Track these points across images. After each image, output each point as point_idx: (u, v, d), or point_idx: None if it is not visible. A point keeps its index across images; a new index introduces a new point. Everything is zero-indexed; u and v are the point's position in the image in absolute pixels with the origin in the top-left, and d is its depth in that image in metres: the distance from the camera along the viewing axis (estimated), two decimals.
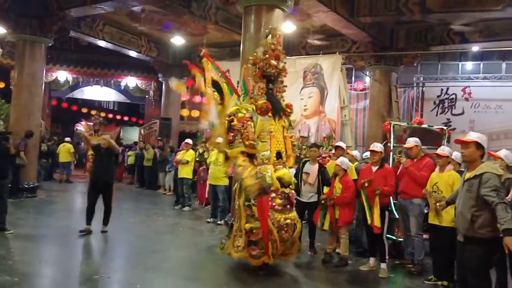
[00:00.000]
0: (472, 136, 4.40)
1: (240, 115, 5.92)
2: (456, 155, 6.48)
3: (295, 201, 6.38)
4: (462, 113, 16.36)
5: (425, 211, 6.64)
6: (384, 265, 6.54)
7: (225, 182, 9.88)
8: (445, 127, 9.32)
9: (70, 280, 5.74)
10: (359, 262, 7.02)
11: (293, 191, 6.24)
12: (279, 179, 6.03)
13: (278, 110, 6.35)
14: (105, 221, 8.29)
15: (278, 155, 6.19)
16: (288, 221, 5.97)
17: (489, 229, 4.08)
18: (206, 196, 11.45)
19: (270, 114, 6.16)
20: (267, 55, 6.25)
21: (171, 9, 12.25)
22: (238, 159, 5.89)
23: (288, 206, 6.09)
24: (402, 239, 7.34)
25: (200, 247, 7.70)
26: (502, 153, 6.00)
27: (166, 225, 9.54)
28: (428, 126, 8.97)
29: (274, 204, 5.96)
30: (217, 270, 6.44)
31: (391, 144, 8.17)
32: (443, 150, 6.39)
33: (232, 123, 5.88)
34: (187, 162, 11.45)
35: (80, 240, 7.70)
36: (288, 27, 11.31)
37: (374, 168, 6.68)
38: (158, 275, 6.01)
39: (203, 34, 15.16)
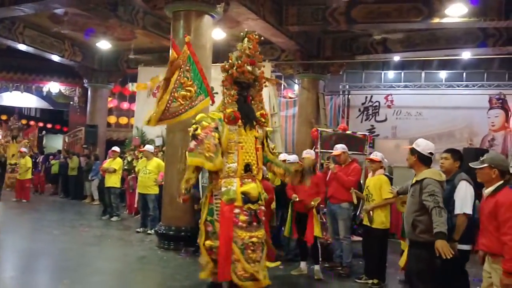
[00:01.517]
0: (414, 143, 4.65)
1: (204, 123, 5.44)
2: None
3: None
4: (385, 119, 17.08)
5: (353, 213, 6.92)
6: (318, 267, 6.69)
7: (155, 190, 9.65)
8: (367, 133, 9.74)
9: None
10: (292, 267, 7.08)
11: (262, 207, 5.56)
12: (245, 193, 5.40)
13: (250, 119, 5.69)
14: None
15: (248, 167, 5.52)
16: (254, 239, 5.36)
17: (431, 234, 4.18)
18: (136, 205, 11.16)
19: (240, 123, 5.59)
20: (240, 61, 5.61)
21: (96, 12, 11.86)
22: (189, 170, 5.47)
23: (255, 223, 5.42)
24: (329, 242, 7.53)
25: (129, 259, 7.47)
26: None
27: (93, 236, 9.18)
28: (352, 132, 9.31)
29: (237, 220, 5.35)
30: (147, 283, 6.28)
31: (319, 150, 8.39)
32: (376, 155, 6.65)
33: (196, 132, 5.34)
34: (115, 170, 11.11)
35: None
36: (217, 34, 11.30)
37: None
38: None
39: (131, 39, 14.81)
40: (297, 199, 6.51)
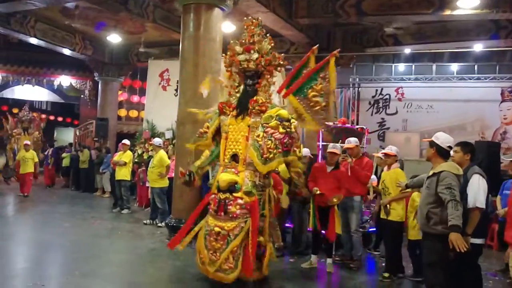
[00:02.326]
0: (433, 136, 4.65)
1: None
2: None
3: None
4: (396, 112, 17.00)
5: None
6: (331, 260, 6.71)
7: (160, 184, 9.67)
8: (364, 127, 9.89)
9: None
10: (302, 260, 7.09)
11: (239, 200, 5.36)
12: (218, 182, 5.50)
13: (243, 108, 5.69)
14: None
15: (235, 157, 5.61)
16: (217, 229, 5.31)
17: (444, 226, 4.20)
18: (149, 197, 11.24)
19: (234, 113, 5.72)
20: (228, 53, 5.88)
21: (106, 6, 11.91)
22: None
23: (221, 214, 5.38)
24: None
25: (140, 251, 7.51)
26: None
27: (103, 228, 9.24)
28: (350, 126, 9.45)
29: (209, 207, 5.66)
30: (158, 275, 6.30)
31: (320, 143, 8.43)
32: (391, 149, 6.64)
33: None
34: (125, 163, 11.17)
35: (11, 247, 7.33)
36: (227, 27, 11.29)
37: (329, 168, 6.74)
38: (96, 281, 5.81)
39: (141, 32, 14.84)
40: (318, 192, 6.44)
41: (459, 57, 16.22)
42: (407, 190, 5.85)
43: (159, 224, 9.50)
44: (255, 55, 5.65)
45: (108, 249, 7.66)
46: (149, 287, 5.85)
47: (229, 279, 5.27)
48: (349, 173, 6.76)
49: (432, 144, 4.56)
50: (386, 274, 6.28)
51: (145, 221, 9.80)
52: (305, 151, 7.51)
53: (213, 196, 5.58)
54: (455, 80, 16.34)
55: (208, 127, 5.98)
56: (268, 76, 5.81)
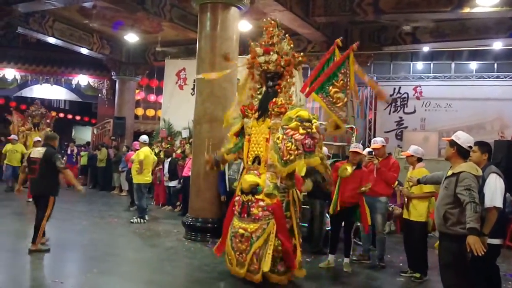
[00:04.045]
0: (453, 135, 4.52)
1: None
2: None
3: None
4: (414, 111, 16.82)
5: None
6: (348, 260, 6.69)
7: (139, 180, 9.79)
8: (354, 126, 9.97)
9: (21, 286, 5.51)
10: (319, 260, 7.05)
11: (261, 203, 5.40)
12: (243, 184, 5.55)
13: (264, 110, 5.69)
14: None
15: (257, 159, 5.63)
16: (241, 230, 5.41)
17: (462, 226, 4.14)
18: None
19: (256, 115, 5.74)
20: (250, 55, 5.84)
21: (124, 5, 11.98)
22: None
23: (245, 215, 5.47)
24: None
25: (157, 249, 7.54)
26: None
27: (121, 227, 9.31)
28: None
29: (234, 209, 5.71)
30: (175, 273, 6.32)
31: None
32: (409, 150, 6.63)
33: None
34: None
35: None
36: (244, 26, 11.28)
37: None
38: (114, 279, 5.85)
39: (157, 32, 14.91)
40: (349, 170, 6.37)
41: (478, 55, 16.01)
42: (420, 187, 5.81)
43: (131, 220, 9.63)
44: (274, 56, 5.63)
45: (126, 247, 7.71)
46: (167, 285, 5.85)
47: (256, 279, 5.36)
48: (375, 175, 6.72)
49: (453, 143, 4.46)
50: (418, 275, 6.26)
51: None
52: (324, 151, 7.45)
53: (237, 198, 5.65)
54: (474, 79, 16.12)
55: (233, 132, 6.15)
56: (288, 77, 5.78)
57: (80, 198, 12.90)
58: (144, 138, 10.33)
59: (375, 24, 13.24)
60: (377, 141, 7.10)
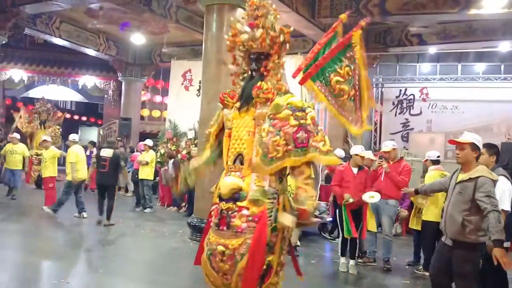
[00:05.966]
0: (467, 136, 4.19)
1: None
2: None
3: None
4: (420, 113, 16.77)
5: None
6: (354, 262, 6.64)
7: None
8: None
9: (27, 285, 5.52)
10: (323, 261, 7.05)
11: (244, 211, 3.86)
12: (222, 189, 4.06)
13: (247, 97, 4.18)
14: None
15: (240, 157, 4.13)
16: (220, 247, 3.89)
17: (481, 234, 3.96)
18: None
19: (237, 105, 4.19)
20: (231, 33, 4.26)
21: (130, 7, 12.04)
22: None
23: (224, 228, 3.93)
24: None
25: (162, 250, 7.56)
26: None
27: (126, 227, 9.32)
28: None
29: (211, 220, 4.16)
30: (180, 274, 6.33)
31: None
32: (428, 156, 6.83)
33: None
34: (147, 163, 11.27)
35: (36, 244, 7.44)
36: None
37: (355, 170, 6.64)
38: (119, 279, 5.87)
39: (164, 33, 14.96)
40: (351, 200, 6.34)
41: (485, 57, 15.92)
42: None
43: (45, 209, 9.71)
44: (259, 32, 4.14)
45: (131, 247, 7.72)
46: (172, 286, 5.86)
47: None
48: (382, 179, 6.74)
49: (475, 147, 4.12)
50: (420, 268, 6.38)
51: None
52: (339, 153, 7.34)
53: (214, 206, 4.17)
54: (480, 81, 16.04)
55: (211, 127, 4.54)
56: (277, 57, 4.25)
57: (86, 198, 12.93)
58: (73, 136, 10.33)
59: (381, 25, 13.19)
60: (388, 145, 7.07)
